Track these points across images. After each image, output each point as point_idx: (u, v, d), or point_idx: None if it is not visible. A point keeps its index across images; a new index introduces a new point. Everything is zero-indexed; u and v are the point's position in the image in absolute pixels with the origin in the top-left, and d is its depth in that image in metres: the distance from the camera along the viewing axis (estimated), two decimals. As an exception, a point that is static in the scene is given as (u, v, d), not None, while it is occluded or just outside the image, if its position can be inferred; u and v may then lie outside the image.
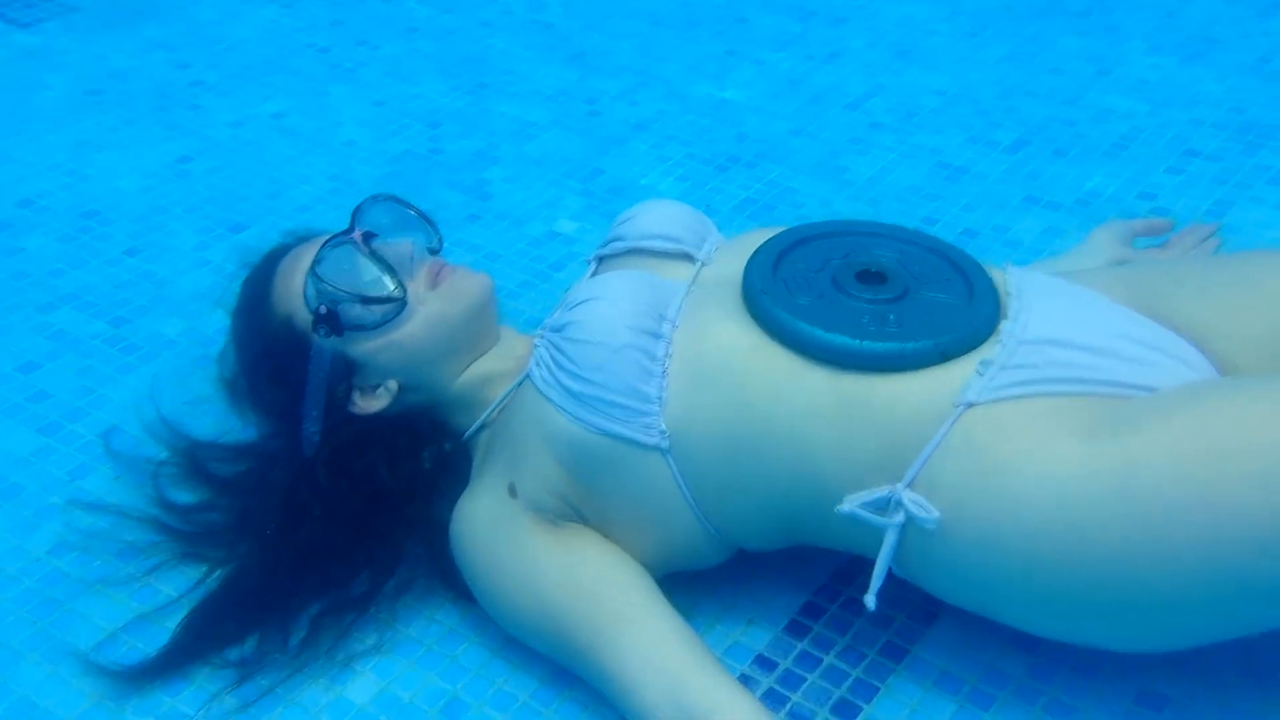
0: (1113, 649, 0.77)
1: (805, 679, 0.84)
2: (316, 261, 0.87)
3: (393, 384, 0.89)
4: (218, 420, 1.02)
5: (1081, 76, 1.54)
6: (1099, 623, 0.74)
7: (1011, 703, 0.82)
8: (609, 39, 1.67)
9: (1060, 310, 0.80)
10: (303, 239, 0.94)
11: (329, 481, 0.87)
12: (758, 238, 0.88)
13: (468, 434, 0.91)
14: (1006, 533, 0.73)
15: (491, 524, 0.83)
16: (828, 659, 0.85)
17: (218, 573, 0.89)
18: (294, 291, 0.88)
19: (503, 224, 1.32)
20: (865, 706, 0.82)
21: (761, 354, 0.79)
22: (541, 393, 0.82)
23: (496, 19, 1.73)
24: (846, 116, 1.48)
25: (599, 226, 1.22)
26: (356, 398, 0.89)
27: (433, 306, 0.89)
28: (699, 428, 0.79)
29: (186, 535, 0.92)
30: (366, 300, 0.86)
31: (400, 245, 0.90)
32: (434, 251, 0.93)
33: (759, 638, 0.86)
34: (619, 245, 0.92)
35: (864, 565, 0.79)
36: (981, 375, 0.76)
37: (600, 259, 0.94)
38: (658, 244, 0.90)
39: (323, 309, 0.86)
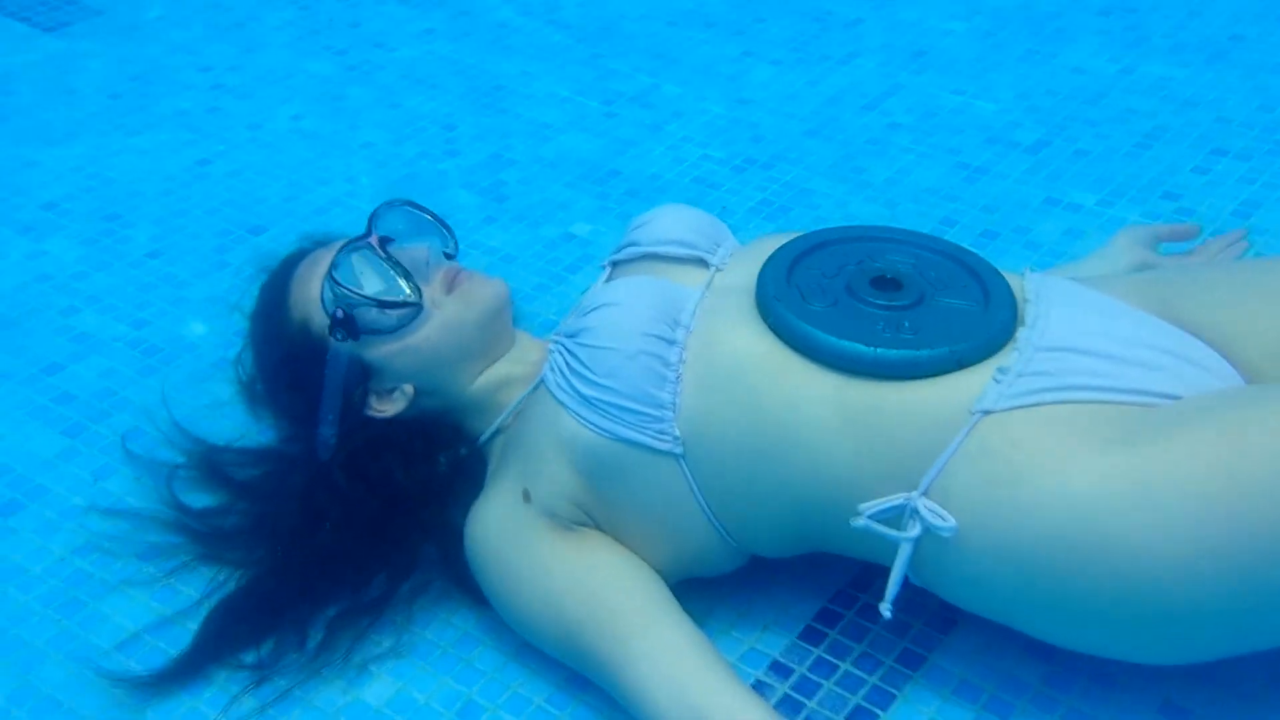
0: (1131, 660, 0.77)
1: (821, 686, 0.83)
2: (333, 266, 0.88)
3: (409, 388, 0.89)
4: (237, 424, 1.03)
5: (1103, 76, 1.52)
6: (1116, 634, 0.73)
7: (1029, 711, 0.81)
8: (625, 40, 1.67)
9: (1079, 317, 0.79)
10: (320, 243, 0.94)
11: (346, 485, 0.87)
12: (772, 243, 0.88)
13: (483, 438, 0.91)
14: (1022, 541, 0.72)
15: (505, 529, 0.84)
16: (844, 665, 0.84)
17: (236, 575, 0.90)
18: (311, 296, 0.89)
19: (519, 226, 1.32)
20: (882, 714, 0.81)
21: (775, 361, 0.79)
22: (555, 398, 0.82)
23: (512, 20, 1.74)
24: (864, 117, 1.47)
25: (615, 229, 1.22)
26: (373, 401, 0.89)
27: (448, 311, 0.89)
28: (713, 434, 0.79)
29: (206, 537, 0.93)
30: (383, 305, 0.87)
31: (416, 250, 0.90)
32: (450, 256, 0.93)
33: (774, 644, 0.86)
34: (633, 251, 0.92)
35: (880, 570, 0.79)
36: (998, 383, 0.76)
37: (614, 264, 0.94)
38: (672, 249, 0.90)
39: (339, 313, 0.87)
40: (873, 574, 0.86)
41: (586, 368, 0.80)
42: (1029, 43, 1.60)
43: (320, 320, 0.88)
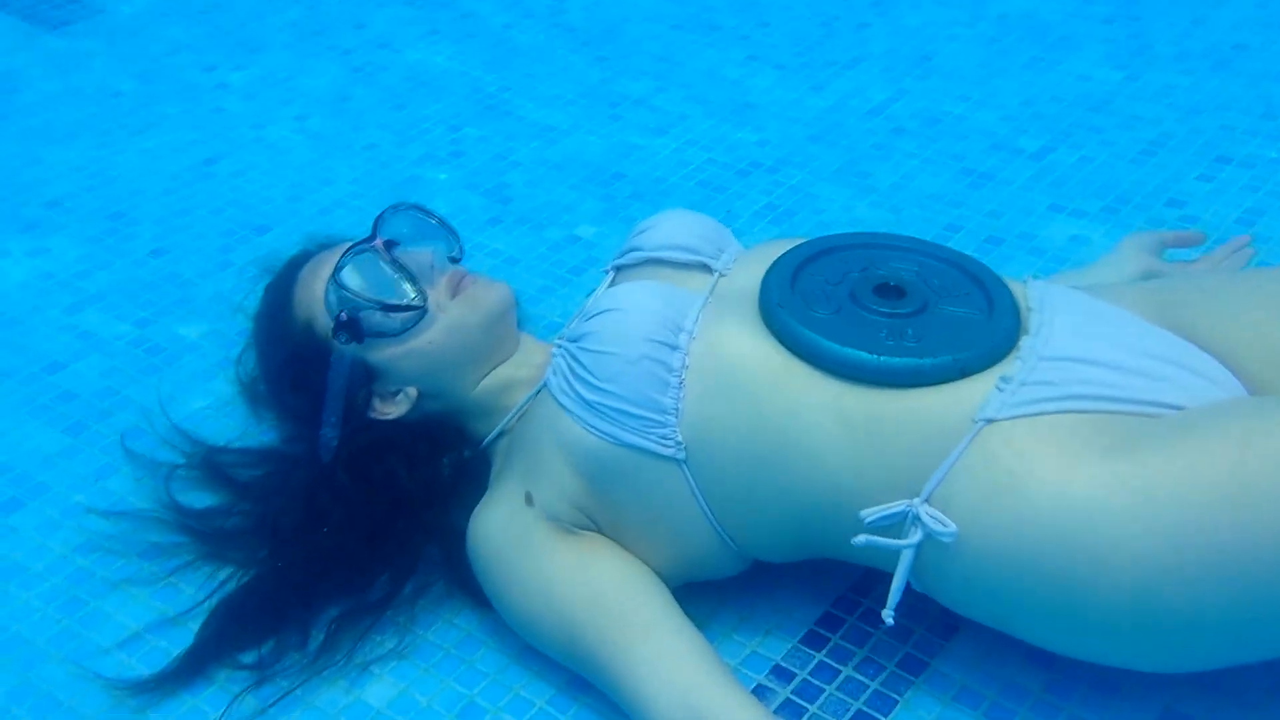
0: (1131, 668, 0.77)
1: (823, 690, 0.83)
2: (338, 269, 0.88)
3: (412, 390, 0.89)
4: (239, 424, 1.03)
5: (1108, 83, 1.52)
6: (1117, 642, 0.73)
7: (1030, 718, 0.81)
8: (631, 43, 1.67)
9: (1083, 325, 0.79)
10: (324, 245, 0.94)
11: (349, 486, 0.87)
12: (776, 249, 0.88)
13: (486, 441, 0.91)
14: (1023, 549, 0.72)
15: (507, 532, 0.84)
16: (846, 670, 0.84)
17: (238, 575, 0.90)
18: (315, 298, 0.89)
19: (523, 228, 1.32)
20: (883, 719, 0.81)
21: (778, 367, 0.79)
22: (558, 402, 0.82)
23: (518, 22, 1.74)
24: (868, 122, 1.48)
25: (619, 232, 1.22)
26: (376, 403, 0.89)
27: (453, 314, 0.89)
28: (715, 439, 0.79)
29: (208, 537, 0.93)
30: (387, 308, 0.87)
31: (421, 254, 0.91)
32: (455, 260, 0.94)
33: (776, 648, 0.86)
34: (636, 255, 0.92)
35: (883, 576, 0.79)
36: (1002, 391, 0.76)
37: (618, 269, 0.94)
38: (675, 254, 0.90)
39: (344, 315, 0.87)
40: (875, 579, 0.86)
41: (589, 372, 0.80)
42: (1033, 50, 1.61)
43: (324, 322, 0.88)
